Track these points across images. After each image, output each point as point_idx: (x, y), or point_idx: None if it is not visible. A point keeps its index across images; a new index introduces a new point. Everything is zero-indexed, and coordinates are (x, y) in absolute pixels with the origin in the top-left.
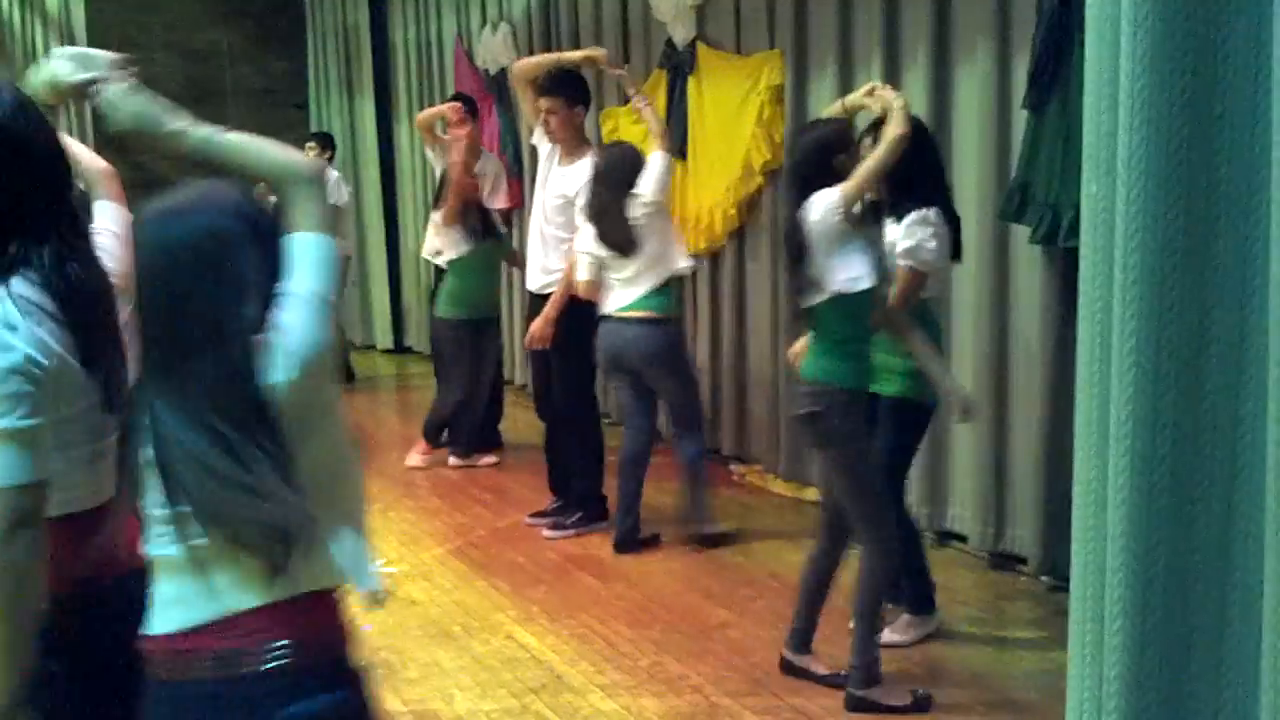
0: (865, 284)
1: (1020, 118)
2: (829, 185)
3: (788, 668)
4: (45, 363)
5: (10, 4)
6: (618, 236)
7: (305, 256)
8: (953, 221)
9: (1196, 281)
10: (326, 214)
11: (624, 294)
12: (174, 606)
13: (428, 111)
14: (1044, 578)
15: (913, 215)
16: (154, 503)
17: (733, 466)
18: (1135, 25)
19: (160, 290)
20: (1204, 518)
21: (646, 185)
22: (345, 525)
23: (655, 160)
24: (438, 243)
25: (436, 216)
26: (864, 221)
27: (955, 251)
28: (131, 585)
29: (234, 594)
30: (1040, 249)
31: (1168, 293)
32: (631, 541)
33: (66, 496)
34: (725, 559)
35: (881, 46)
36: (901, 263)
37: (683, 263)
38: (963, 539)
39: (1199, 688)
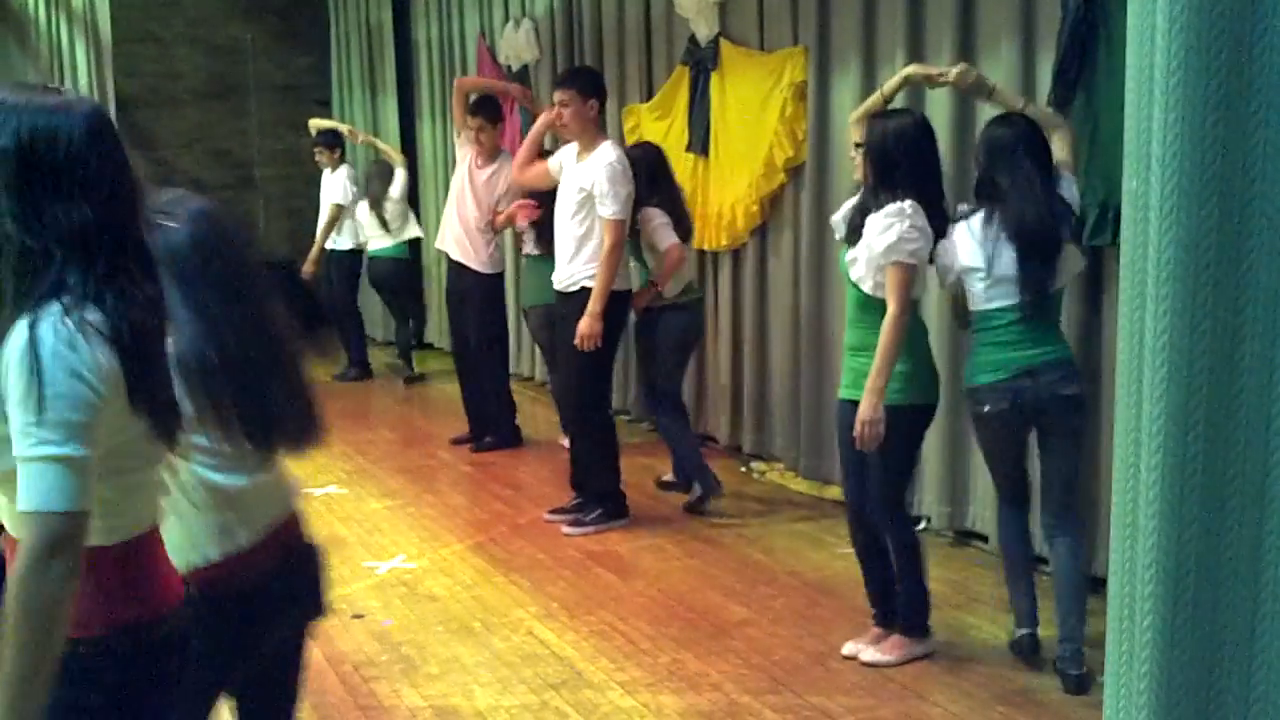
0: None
1: None
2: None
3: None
4: (102, 389)
5: (36, 1)
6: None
7: None
8: (939, 220)
9: (1229, 279)
10: None
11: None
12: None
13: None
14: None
15: (888, 208)
16: None
17: (753, 464)
18: (1170, 22)
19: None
20: (1236, 516)
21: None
22: None
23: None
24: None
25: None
26: None
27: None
28: (180, 617)
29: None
30: None
31: (1200, 290)
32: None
33: (117, 523)
34: (746, 557)
35: (905, 43)
36: (886, 261)
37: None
38: (983, 538)
39: (1230, 684)
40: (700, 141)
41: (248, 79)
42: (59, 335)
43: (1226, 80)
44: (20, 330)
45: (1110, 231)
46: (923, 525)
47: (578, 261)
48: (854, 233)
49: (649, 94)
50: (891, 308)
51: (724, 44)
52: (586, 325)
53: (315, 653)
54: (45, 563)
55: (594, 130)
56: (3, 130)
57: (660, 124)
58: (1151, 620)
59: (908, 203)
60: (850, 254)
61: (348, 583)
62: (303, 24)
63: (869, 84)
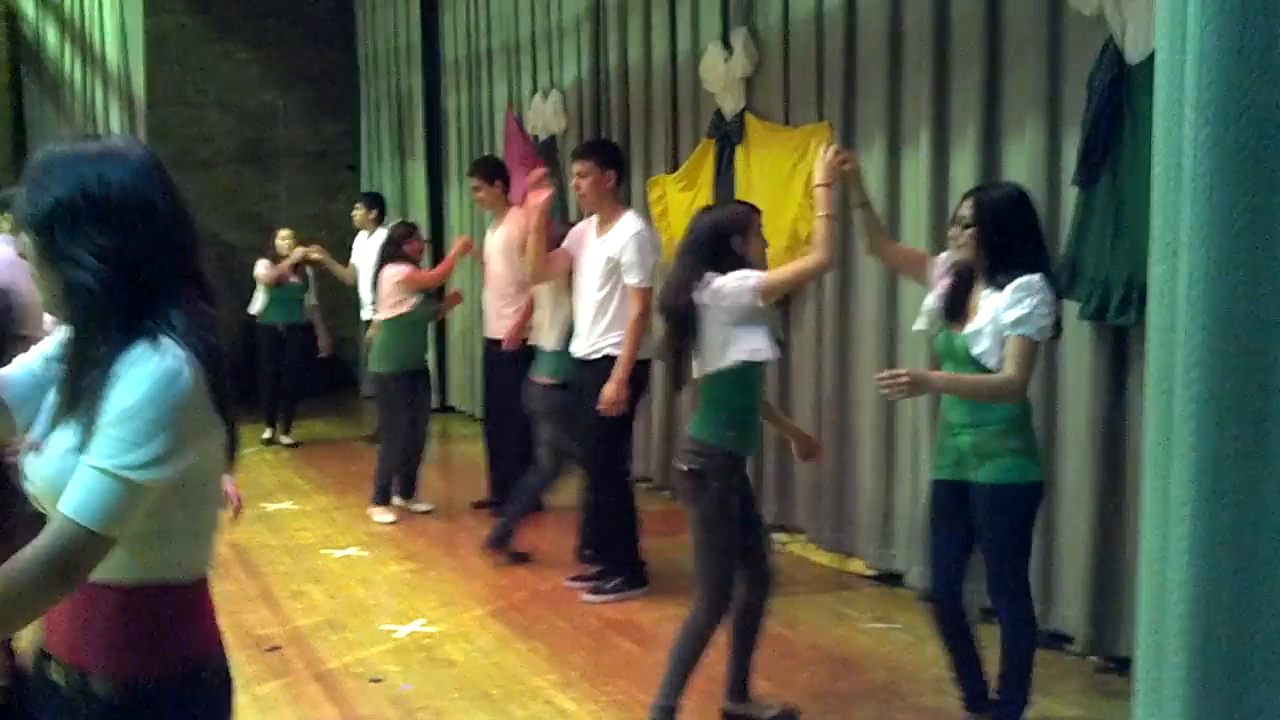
0: (766, 355)
1: (1069, 194)
2: (725, 264)
3: None
4: (202, 422)
5: (72, 64)
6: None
7: None
8: (1056, 294)
9: (1258, 365)
10: None
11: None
12: None
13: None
14: (1092, 657)
15: (1019, 281)
16: None
17: (775, 536)
18: (1199, 110)
19: None
20: (1265, 605)
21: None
22: None
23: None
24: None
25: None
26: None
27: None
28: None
29: None
30: (1089, 325)
31: (1229, 375)
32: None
33: (195, 556)
34: (768, 630)
35: (930, 120)
36: (1013, 332)
37: (548, 343)
38: (1068, 639)
39: None
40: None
41: (278, 144)
42: (170, 373)
43: (1254, 166)
44: (135, 359)
45: (1135, 311)
46: None
47: (599, 330)
48: (953, 312)
49: (674, 165)
50: (1011, 372)
51: (749, 118)
52: (613, 391)
53: (333, 716)
54: (53, 572)
55: (612, 201)
56: (64, 181)
57: (685, 195)
58: (1179, 708)
59: (1037, 277)
60: (972, 327)
61: (366, 646)
62: (335, 91)
63: (893, 160)
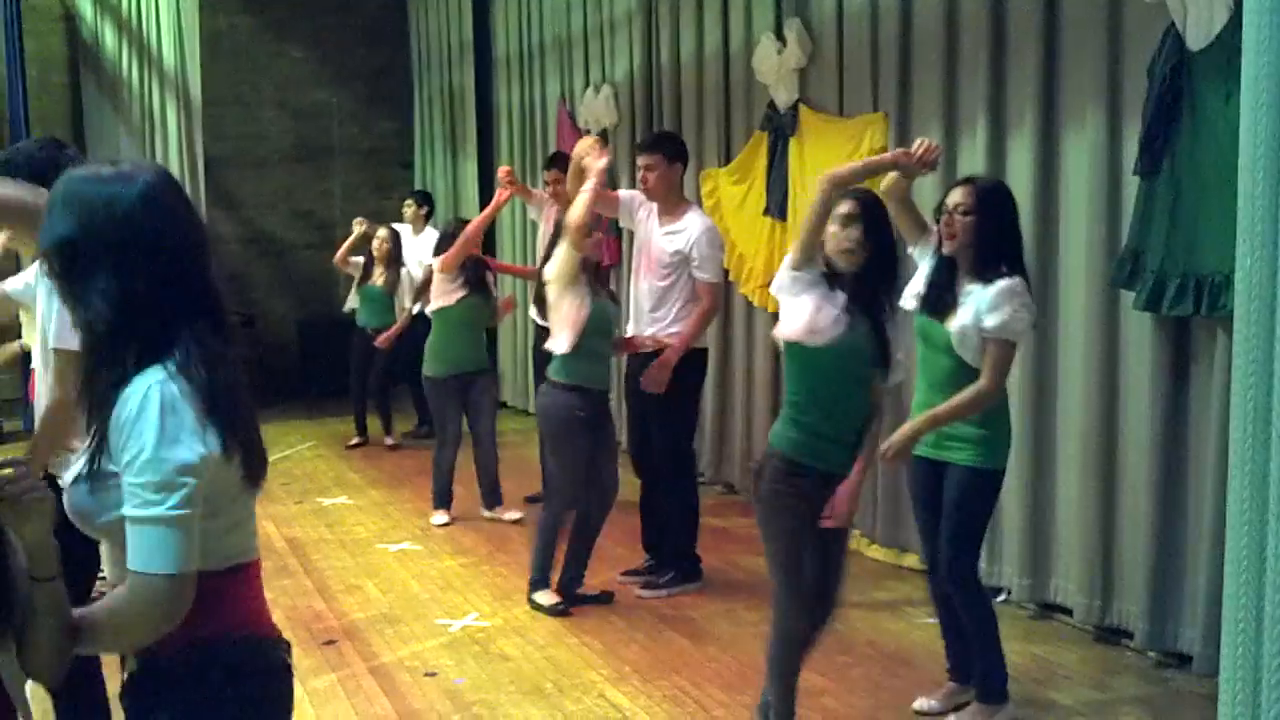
0: (798, 337)
1: (1130, 184)
2: None
3: None
4: (202, 448)
5: (130, 64)
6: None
7: None
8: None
9: None
10: None
11: None
12: None
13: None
14: (1151, 653)
15: (1003, 285)
16: None
17: None
18: None
19: None
20: None
21: (547, 267)
22: None
23: (558, 249)
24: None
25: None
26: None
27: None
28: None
29: None
30: (1150, 316)
31: None
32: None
33: (227, 546)
34: None
35: (987, 110)
36: (993, 337)
37: (558, 346)
38: (1067, 611)
39: None
40: (778, 205)
41: (332, 142)
42: (162, 399)
43: None
44: (126, 396)
45: (1192, 302)
46: (1003, 597)
47: (659, 321)
48: (940, 303)
49: (727, 158)
50: (985, 383)
51: (803, 110)
52: (659, 370)
53: (388, 709)
54: (144, 618)
55: (679, 194)
56: (74, 216)
57: (738, 188)
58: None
59: (1018, 281)
60: (956, 325)
61: (421, 640)
62: (387, 89)
63: (950, 151)
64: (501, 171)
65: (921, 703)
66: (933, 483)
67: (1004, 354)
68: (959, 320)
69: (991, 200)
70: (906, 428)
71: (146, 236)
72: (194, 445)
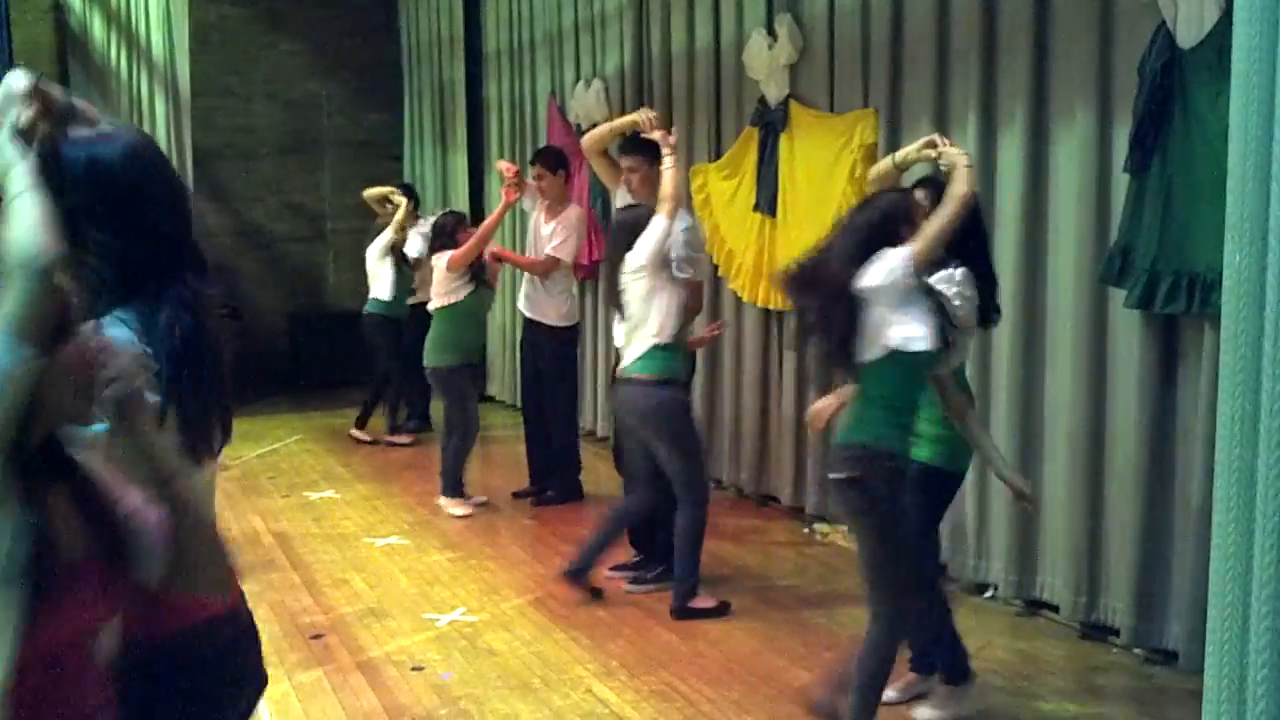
0: (922, 345)
1: (1120, 181)
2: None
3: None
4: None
5: (118, 55)
6: (612, 298)
7: None
8: (988, 284)
9: None
10: (19, 313)
11: (626, 354)
12: None
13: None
14: (1137, 649)
15: (938, 275)
16: None
17: (816, 526)
18: None
19: None
20: None
21: (637, 249)
22: None
23: (654, 224)
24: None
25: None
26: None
27: (984, 316)
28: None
29: None
30: (1139, 314)
31: None
32: (582, 578)
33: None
34: (808, 620)
35: (978, 106)
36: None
37: (659, 337)
38: (1053, 608)
39: None
40: (768, 201)
41: (322, 134)
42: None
43: None
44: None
45: (1184, 299)
46: (990, 593)
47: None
48: None
49: (717, 154)
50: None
51: (794, 105)
52: None
53: (375, 704)
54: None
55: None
56: (59, 172)
57: (728, 183)
58: (1265, 706)
59: (959, 270)
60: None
61: (408, 634)
62: (378, 81)
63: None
64: (508, 171)
65: (889, 694)
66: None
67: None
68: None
69: (862, 221)
70: (986, 447)
71: (127, 192)
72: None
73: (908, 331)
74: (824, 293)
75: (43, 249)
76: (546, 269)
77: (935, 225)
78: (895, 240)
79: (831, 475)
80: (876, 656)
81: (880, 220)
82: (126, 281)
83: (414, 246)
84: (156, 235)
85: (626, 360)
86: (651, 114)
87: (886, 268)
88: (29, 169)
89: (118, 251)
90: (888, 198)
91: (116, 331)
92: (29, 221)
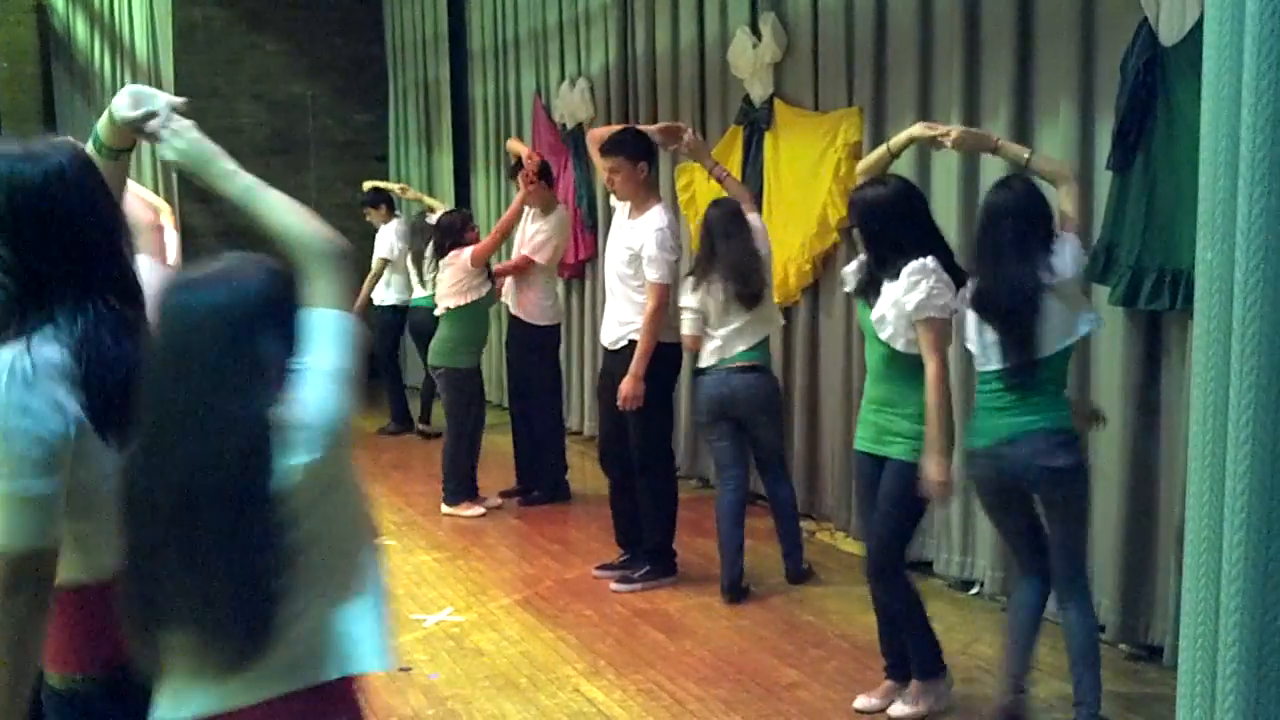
0: (1095, 324)
1: (1103, 178)
2: (1043, 240)
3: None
4: (57, 427)
5: (101, 54)
6: (754, 289)
7: (325, 331)
8: (956, 278)
9: None
10: (344, 290)
11: (733, 344)
12: (166, 701)
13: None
14: (1122, 645)
15: (912, 265)
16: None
17: (803, 524)
18: (1257, 95)
19: (169, 361)
20: None
21: (763, 245)
22: (356, 600)
23: (756, 220)
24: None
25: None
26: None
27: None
28: None
29: (201, 696)
30: (1123, 311)
31: None
32: (740, 589)
33: (95, 561)
34: (796, 618)
35: (962, 104)
36: (919, 317)
37: (771, 327)
38: None
39: None
40: (753, 200)
41: (308, 135)
42: (14, 374)
43: None
44: None
45: (1169, 296)
46: (976, 590)
47: (625, 315)
48: (869, 289)
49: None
50: (932, 367)
51: (778, 104)
52: (629, 386)
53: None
54: (8, 597)
55: (646, 191)
56: None
57: (713, 182)
58: (1234, 701)
59: (929, 259)
60: (875, 314)
61: (395, 635)
62: (363, 82)
63: (924, 146)
64: (528, 158)
65: (862, 701)
66: (874, 476)
67: (936, 330)
68: (878, 310)
69: (867, 210)
70: (931, 461)
71: (40, 212)
72: (52, 416)
73: (1090, 314)
74: (1020, 299)
75: None
76: (518, 268)
77: (1074, 205)
78: (1048, 225)
79: (1053, 465)
80: (1093, 635)
81: (1041, 211)
82: (37, 299)
83: (386, 246)
84: (71, 257)
85: (734, 349)
86: (689, 135)
87: (1072, 255)
88: None
89: (27, 269)
90: (1011, 191)
91: (48, 349)
92: None
